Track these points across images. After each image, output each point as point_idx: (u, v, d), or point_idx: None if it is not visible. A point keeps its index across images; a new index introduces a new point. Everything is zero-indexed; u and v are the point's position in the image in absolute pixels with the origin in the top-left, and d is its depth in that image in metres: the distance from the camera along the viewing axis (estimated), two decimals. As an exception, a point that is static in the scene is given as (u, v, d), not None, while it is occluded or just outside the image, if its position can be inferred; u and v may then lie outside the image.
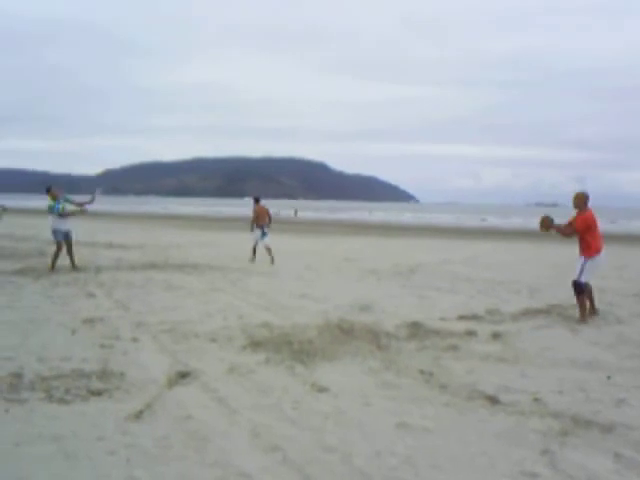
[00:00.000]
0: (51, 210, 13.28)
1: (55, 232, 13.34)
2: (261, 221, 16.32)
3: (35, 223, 29.82)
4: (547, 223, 8.99)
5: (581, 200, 8.93)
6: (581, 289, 8.78)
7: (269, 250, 15.89)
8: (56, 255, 13.16)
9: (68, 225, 13.42)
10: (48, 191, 13.35)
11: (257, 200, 16.85)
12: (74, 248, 13.65)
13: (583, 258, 8.82)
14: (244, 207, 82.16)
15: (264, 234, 16.19)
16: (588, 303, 8.93)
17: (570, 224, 9.00)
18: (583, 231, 8.76)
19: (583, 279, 8.76)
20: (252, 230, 16.49)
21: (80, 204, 13.75)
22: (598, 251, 8.83)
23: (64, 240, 13.31)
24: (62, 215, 13.31)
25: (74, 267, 13.21)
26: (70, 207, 13.56)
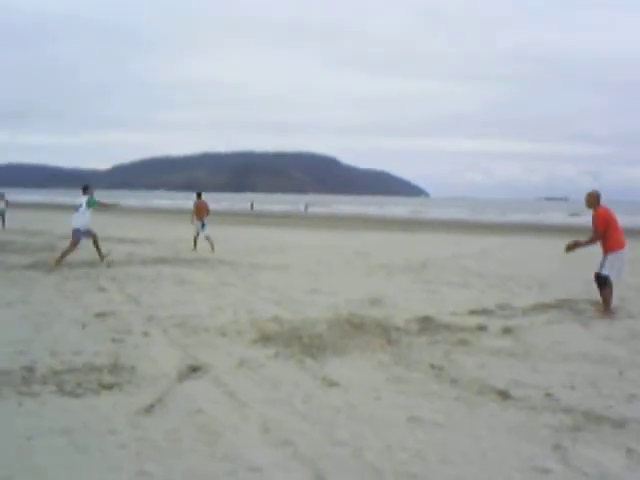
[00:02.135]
0: (90, 204, 13.31)
1: (86, 232, 13.29)
2: (200, 214, 17.94)
3: (47, 217, 29.98)
4: (571, 246, 9.07)
5: (593, 198, 8.99)
6: (604, 281, 8.75)
7: (208, 239, 17.41)
8: (69, 252, 13.04)
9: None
10: (86, 189, 13.46)
11: (199, 195, 18.75)
12: (63, 245, 13.57)
13: (606, 253, 8.80)
14: (247, 202, 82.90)
15: (203, 225, 17.75)
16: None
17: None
18: (604, 228, 8.73)
19: (605, 272, 8.73)
20: (192, 222, 18.35)
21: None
22: (621, 246, 8.82)
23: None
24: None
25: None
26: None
